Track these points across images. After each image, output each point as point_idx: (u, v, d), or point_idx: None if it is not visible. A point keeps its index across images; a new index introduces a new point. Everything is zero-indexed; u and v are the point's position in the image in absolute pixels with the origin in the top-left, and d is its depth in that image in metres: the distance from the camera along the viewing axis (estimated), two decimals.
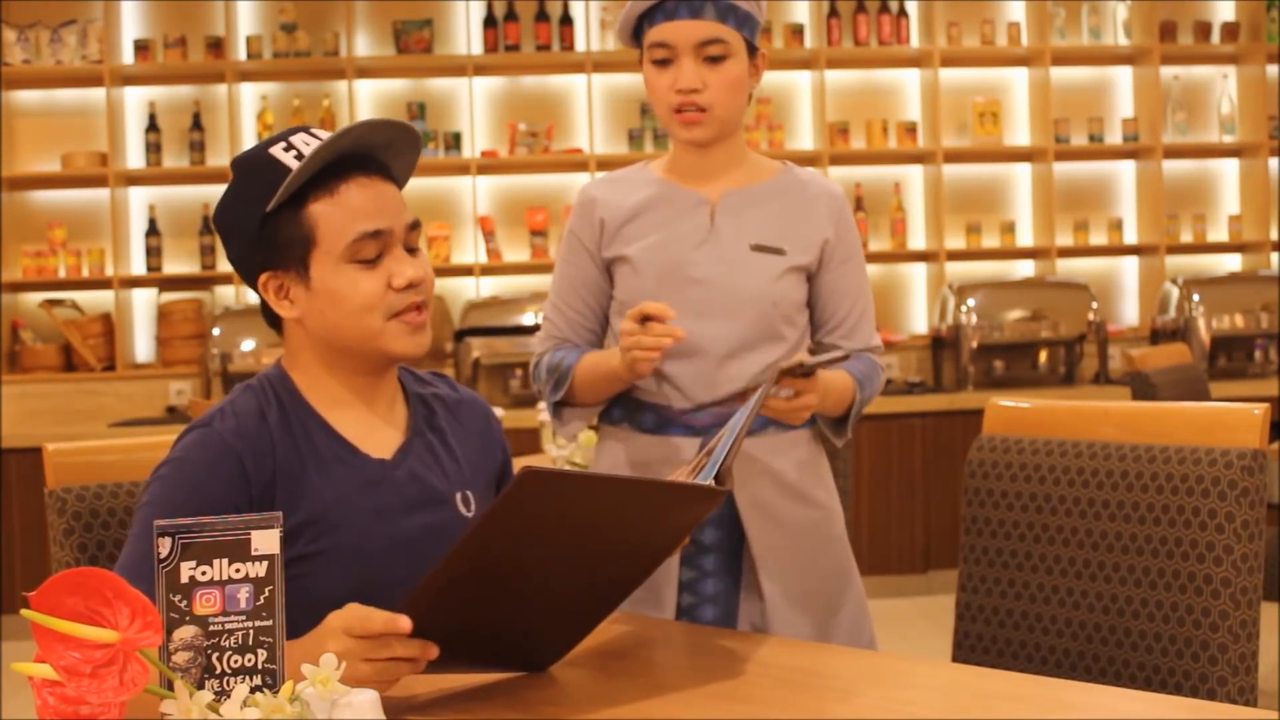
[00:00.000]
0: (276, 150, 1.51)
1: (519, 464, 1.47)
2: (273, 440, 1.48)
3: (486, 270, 5.67)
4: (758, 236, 1.98)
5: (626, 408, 2.02)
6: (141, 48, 5.54)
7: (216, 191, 6.03)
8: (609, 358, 1.94)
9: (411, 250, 1.54)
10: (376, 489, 1.51)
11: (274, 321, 1.57)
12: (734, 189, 2.01)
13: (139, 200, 5.68)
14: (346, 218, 1.48)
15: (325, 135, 1.51)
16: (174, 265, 5.64)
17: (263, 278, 1.52)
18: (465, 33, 5.66)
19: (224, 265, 5.61)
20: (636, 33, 1.99)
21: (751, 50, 1.96)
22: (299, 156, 1.49)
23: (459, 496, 1.58)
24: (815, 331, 2.07)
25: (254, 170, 1.51)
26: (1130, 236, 6.00)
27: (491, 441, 1.67)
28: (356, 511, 1.49)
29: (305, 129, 1.54)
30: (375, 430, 1.55)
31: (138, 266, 5.63)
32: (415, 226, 1.55)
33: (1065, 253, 5.88)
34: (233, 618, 1.09)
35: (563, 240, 2.08)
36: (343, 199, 1.49)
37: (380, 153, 1.54)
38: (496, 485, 1.68)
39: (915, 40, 5.84)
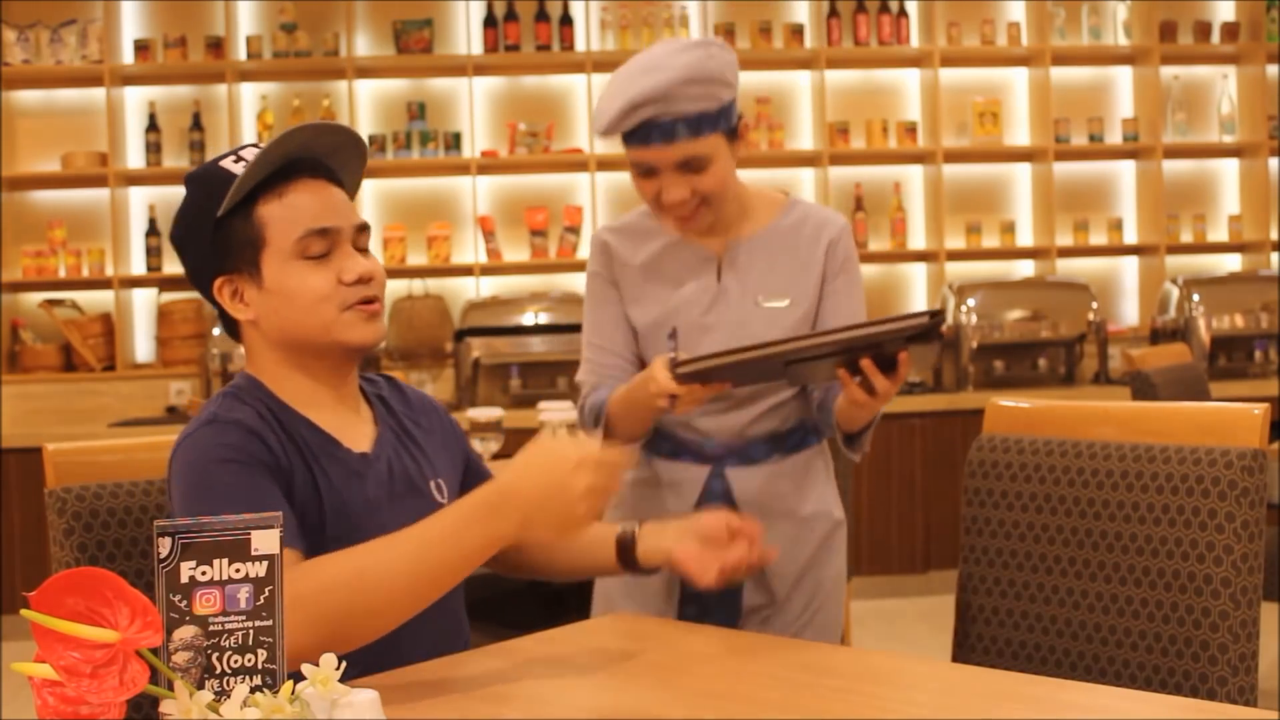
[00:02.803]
0: (227, 163, 1.55)
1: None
2: (277, 436, 1.50)
3: (486, 270, 5.67)
4: (763, 289, 2.02)
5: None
6: (141, 48, 5.54)
7: None
8: (631, 391, 1.95)
9: (361, 250, 1.57)
10: (363, 481, 1.54)
11: (233, 329, 1.60)
12: (739, 239, 2.04)
13: (139, 200, 5.68)
14: (294, 216, 1.52)
15: None
16: (174, 265, 5.63)
17: (217, 283, 1.56)
18: (465, 33, 5.66)
19: None
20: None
21: (733, 132, 1.94)
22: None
23: (433, 485, 1.61)
24: None
25: (205, 182, 1.55)
26: (1130, 236, 6.01)
27: (450, 434, 1.71)
28: (347, 503, 1.51)
29: (254, 144, 1.58)
30: (349, 425, 1.59)
31: (138, 266, 5.63)
32: (364, 229, 1.57)
33: (1065, 253, 5.88)
34: (233, 618, 1.09)
35: (588, 283, 2.11)
36: (290, 200, 1.53)
37: (327, 159, 1.58)
38: (463, 472, 1.72)
39: (915, 40, 5.84)
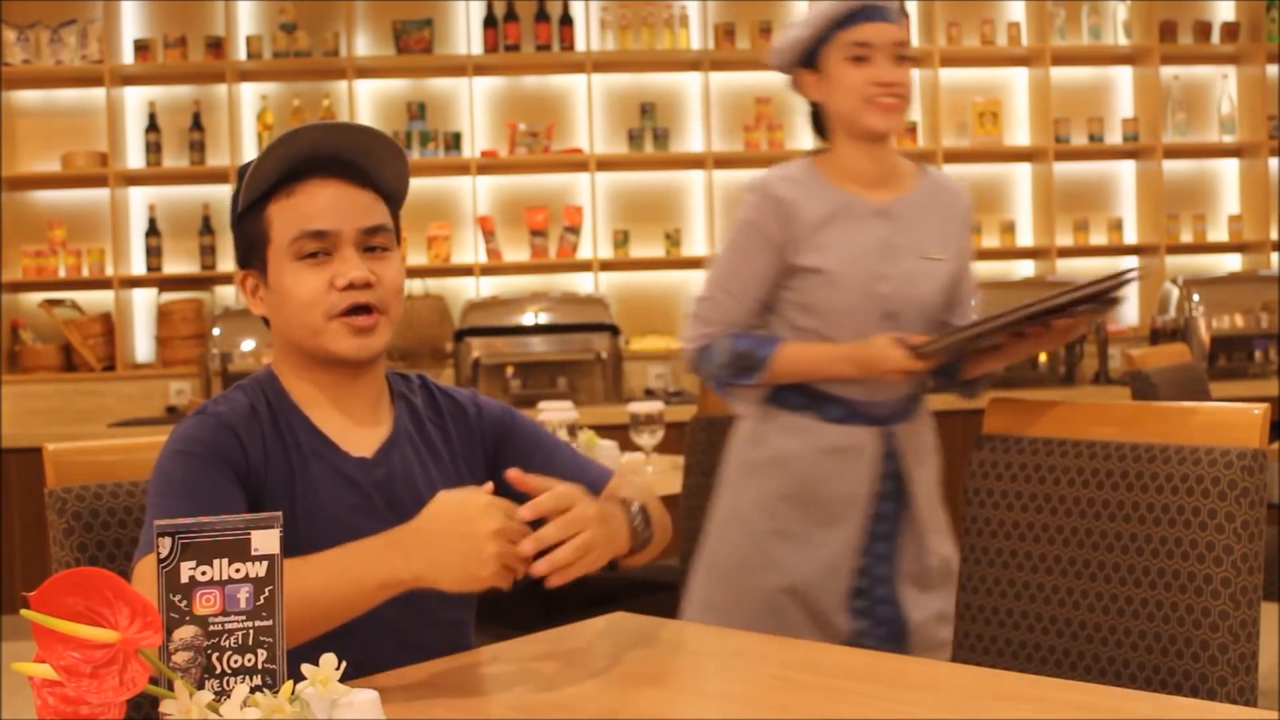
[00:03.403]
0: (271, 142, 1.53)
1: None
2: (263, 432, 1.50)
3: (486, 270, 5.67)
4: (925, 245, 2.21)
5: (809, 396, 2.19)
6: (141, 48, 5.54)
7: (216, 191, 5.99)
8: (837, 361, 2.13)
9: (374, 251, 1.52)
10: (354, 487, 1.52)
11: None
12: (899, 196, 2.22)
13: (139, 200, 5.68)
14: (294, 216, 1.50)
15: None
16: (174, 265, 5.64)
17: (239, 275, 1.58)
18: (465, 33, 5.66)
19: (224, 265, 5.61)
20: (814, 43, 2.18)
21: None
22: None
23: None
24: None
25: (241, 174, 1.54)
26: (1130, 236, 6.01)
27: (471, 436, 1.65)
28: (326, 508, 1.49)
29: None
30: (356, 429, 1.56)
31: (138, 266, 5.63)
32: (376, 230, 1.52)
33: (1065, 253, 5.88)
34: (233, 618, 1.09)
35: (740, 229, 2.21)
36: (296, 199, 1.51)
37: (361, 159, 1.54)
38: (493, 463, 1.63)
39: (915, 40, 5.84)
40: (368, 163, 1.54)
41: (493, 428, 1.66)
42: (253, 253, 1.54)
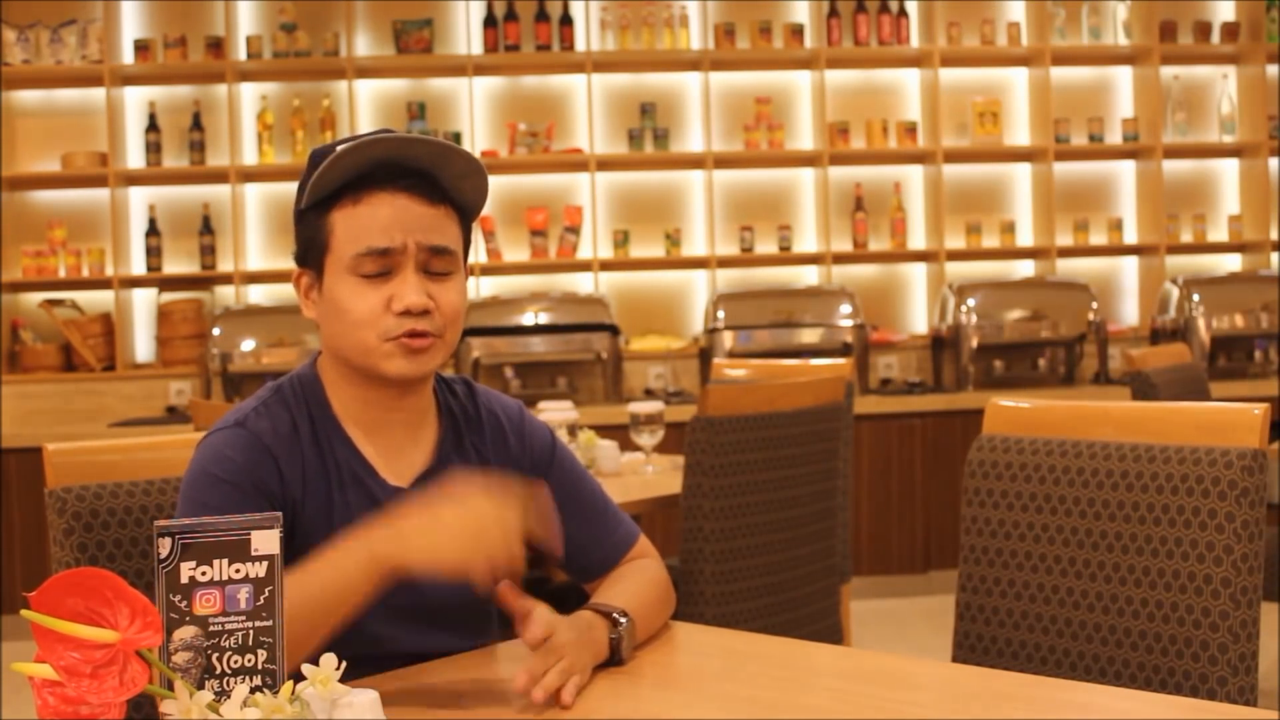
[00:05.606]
0: (342, 147, 1.45)
1: None
2: (303, 454, 1.45)
3: (486, 270, 5.67)
4: None
5: None
6: (141, 48, 5.54)
7: (216, 191, 5.96)
8: None
9: (436, 274, 1.46)
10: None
11: None
12: None
13: (139, 200, 5.69)
14: (359, 229, 1.43)
15: (401, 137, 1.44)
16: (174, 265, 5.64)
17: (295, 273, 1.51)
18: (465, 33, 5.66)
19: (224, 265, 5.62)
20: None
21: None
22: None
23: None
24: None
25: (309, 165, 1.46)
26: (1130, 236, 6.01)
27: (508, 467, 1.58)
28: None
29: (388, 130, 1.46)
30: (396, 452, 1.50)
31: (138, 266, 5.63)
32: (440, 252, 1.45)
33: (1065, 253, 5.88)
34: (233, 618, 1.09)
35: None
36: (362, 209, 1.43)
37: (438, 171, 1.46)
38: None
39: (915, 40, 5.84)
40: (444, 175, 1.47)
41: (532, 465, 1.60)
42: (310, 255, 1.47)
